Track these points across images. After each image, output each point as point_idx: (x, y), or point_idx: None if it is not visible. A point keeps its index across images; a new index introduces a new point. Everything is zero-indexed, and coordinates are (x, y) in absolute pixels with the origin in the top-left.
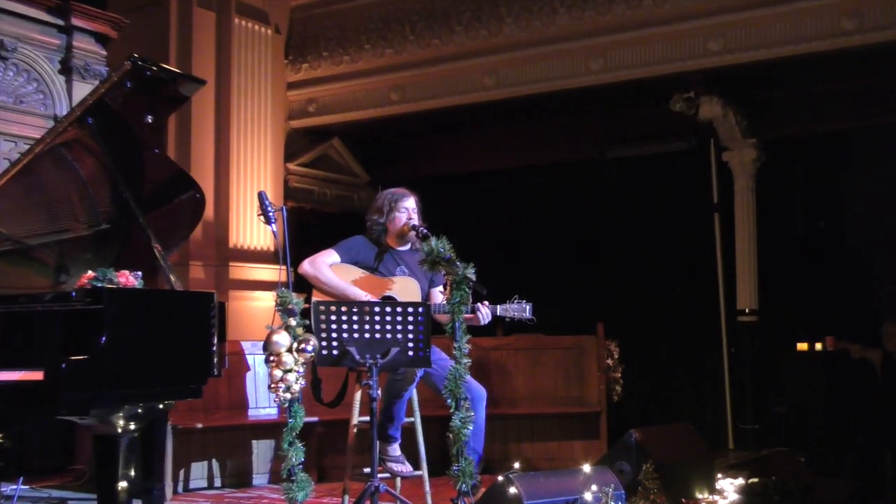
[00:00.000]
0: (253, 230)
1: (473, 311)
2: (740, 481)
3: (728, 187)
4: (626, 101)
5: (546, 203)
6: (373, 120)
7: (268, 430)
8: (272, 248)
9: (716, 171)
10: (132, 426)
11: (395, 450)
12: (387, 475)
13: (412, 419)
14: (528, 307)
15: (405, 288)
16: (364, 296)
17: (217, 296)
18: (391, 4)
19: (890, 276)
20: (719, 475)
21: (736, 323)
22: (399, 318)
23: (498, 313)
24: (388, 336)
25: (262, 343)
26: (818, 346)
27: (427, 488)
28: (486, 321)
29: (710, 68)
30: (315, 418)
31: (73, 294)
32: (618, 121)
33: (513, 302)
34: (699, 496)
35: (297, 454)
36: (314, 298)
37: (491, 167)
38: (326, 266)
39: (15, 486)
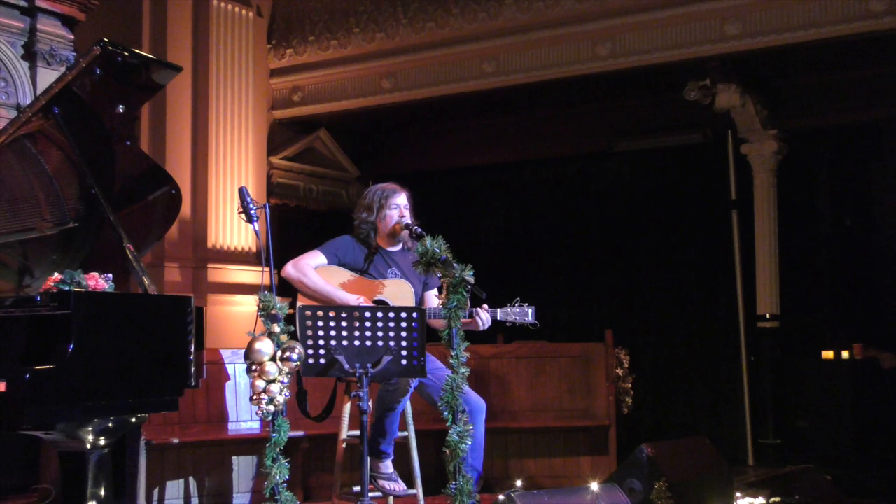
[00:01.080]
0: (233, 229)
1: (471, 315)
2: (761, 501)
3: (747, 182)
4: (636, 90)
5: (550, 200)
6: (363, 110)
7: (249, 445)
8: (254, 249)
9: (733, 164)
10: (102, 442)
11: (388, 467)
12: (378, 494)
13: (406, 433)
14: (530, 311)
15: (397, 291)
16: (353, 300)
17: (194, 300)
18: None
19: None
20: (738, 494)
21: (756, 329)
22: (391, 325)
23: (498, 318)
24: (380, 343)
25: (243, 351)
26: (845, 354)
27: None
28: (486, 327)
29: (728, 53)
30: (300, 433)
31: (38, 298)
32: (627, 111)
33: (514, 306)
34: None
35: (280, 472)
36: (299, 303)
37: (490, 161)
38: (312, 268)
39: None
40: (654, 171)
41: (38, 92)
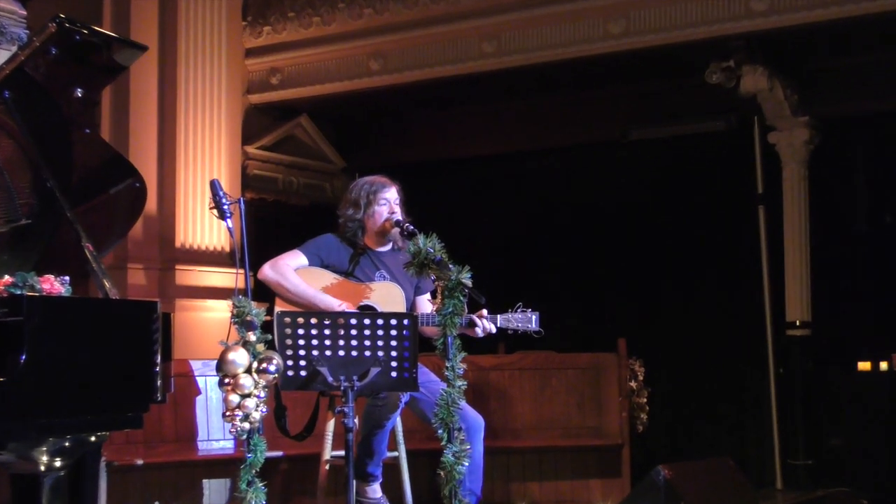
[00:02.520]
0: (204, 227)
1: (469, 322)
2: None
3: (775, 175)
4: (652, 73)
5: (556, 194)
6: (348, 94)
7: (222, 467)
8: (227, 249)
9: (760, 155)
10: (58, 463)
11: (376, 490)
12: None
13: (395, 454)
14: (534, 318)
15: (387, 295)
16: (337, 305)
17: (161, 305)
18: None
19: None
20: None
21: (785, 338)
22: (380, 332)
23: (498, 325)
24: (367, 354)
25: (214, 362)
26: (883, 365)
27: None
28: (485, 335)
29: (754, 32)
30: (279, 453)
31: None
32: (642, 96)
33: (516, 311)
34: None
35: (257, 496)
36: (277, 308)
37: (490, 151)
38: (292, 270)
39: None
40: (672, 162)
41: None
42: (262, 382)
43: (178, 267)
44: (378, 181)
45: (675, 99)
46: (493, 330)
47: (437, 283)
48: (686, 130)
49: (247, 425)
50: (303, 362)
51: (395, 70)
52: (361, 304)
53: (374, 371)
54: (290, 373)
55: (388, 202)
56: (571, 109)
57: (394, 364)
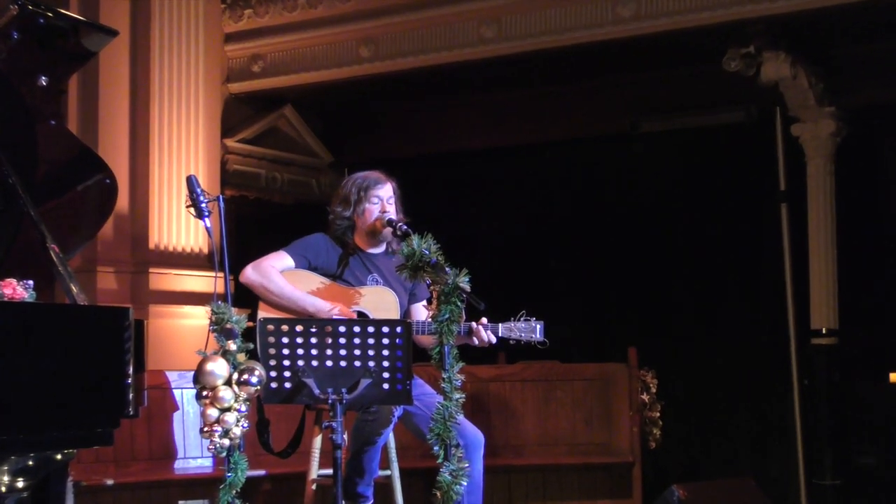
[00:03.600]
0: (180, 226)
1: (468, 331)
2: None
3: (799, 170)
4: (665, 59)
5: (561, 191)
6: (337, 83)
7: (200, 487)
8: (205, 250)
9: (783, 149)
10: (20, 484)
11: None
12: None
13: (388, 472)
14: (538, 326)
15: (378, 301)
16: (329, 308)
17: (133, 312)
18: None
19: None
20: None
21: (810, 347)
22: (371, 341)
23: (500, 334)
24: (357, 364)
25: (192, 374)
26: None
27: None
28: (485, 344)
29: (776, 15)
30: (261, 472)
31: None
32: (655, 85)
33: (519, 320)
34: None
35: None
36: (260, 314)
37: (489, 144)
38: (277, 272)
39: None
40: (686, 156)
41: None
42: (244, 395)
43: (151, 270)
44: (371, 177)
45: (690, 88)
46: (494, 341)
47: (432, 287)
48: (701, 122)
49: (227, 442)
50: (287, 373)
51: (387, 57)
52: (351, 309)
53: (364, 383)
54: (274, 384)
55: (381, 200)
56: (578, 99)
57: (386, 375)
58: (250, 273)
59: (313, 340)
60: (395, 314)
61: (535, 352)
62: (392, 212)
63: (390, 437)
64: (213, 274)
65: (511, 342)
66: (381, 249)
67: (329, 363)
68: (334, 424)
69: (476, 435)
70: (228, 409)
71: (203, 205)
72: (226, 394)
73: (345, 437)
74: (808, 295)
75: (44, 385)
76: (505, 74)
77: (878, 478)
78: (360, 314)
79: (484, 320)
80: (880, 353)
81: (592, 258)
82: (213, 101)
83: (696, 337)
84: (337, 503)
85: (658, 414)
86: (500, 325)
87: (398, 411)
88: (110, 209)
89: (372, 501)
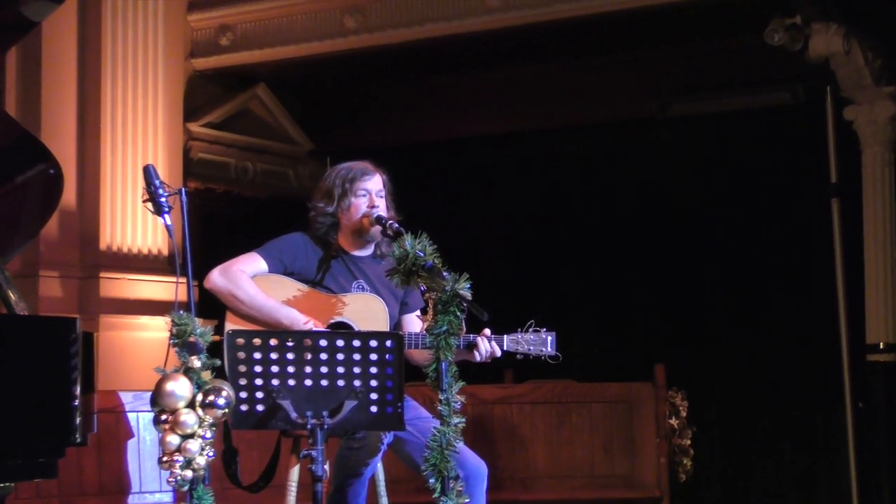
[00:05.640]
0: (136, 224)
1: (468, 345)
2: None
3: (853, 160)
4: (698, 32)
5: (577, 185)
6: (318, 58)
7: None
8: (165, 252)
9: (834, 135)
10: None
11: None
12: None
13: None
14: (549, 339)
15: (364, 310)
16: (304, 322)
17: (81, 323)
18: None
19: None
20: None
21: (865, 364)
22: (356, 357)
23: (505, 348)
24: (341, 383)
25: (149, 395)
26: None
27: None
28: (488, 358)
29: None
30: None
31: None
32: (685, 62)
33: (527, 331)
34: None
35: None
36: (228, 326)
37: (494, 130)
38: (247, 278)
39: None
40: (721, 144)
41: None
42: (209, 420)
43: (102, 275)
44: (358, 167)
45: (727, 65)
46: (498, 354)
47: (427, 295)
48: (740, 105)
49: (189, 473)
50: (260, 394)
51: (377, 28)
52: (333, 321)
53: (349, 405)
54: (244, 407)
55: (369, 193)
56: (596, 78)
57: (374, 396)
58: (217, 278)
59: (290, 356)
60: (383, 325)
61: (547, 369)
62: (381, 207)
63: (379, 468)
64: (173, 279)
65: (518, 357)
66: (368, 252)
67: (308, 382)
68: (314, 453)
69: (478, 466)
70: (191, 436)
71: (162, 199)
72: (188, 418)
73: (326, 468)
74: (862, 304)
75: None
76: (512, 49)
77: None
78: (344, 326)
79: (487, 331)
80: None
81: (613, 261)
82: (175, 79)
83: (733, 352)
84: None
85: (689, 441)
86: (505, 336)
87: (388, 438)
88: (55, 204)
89: None
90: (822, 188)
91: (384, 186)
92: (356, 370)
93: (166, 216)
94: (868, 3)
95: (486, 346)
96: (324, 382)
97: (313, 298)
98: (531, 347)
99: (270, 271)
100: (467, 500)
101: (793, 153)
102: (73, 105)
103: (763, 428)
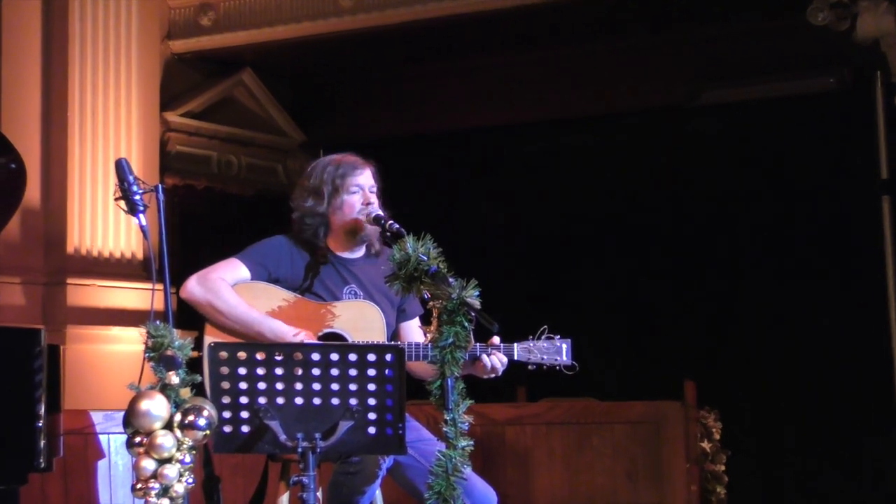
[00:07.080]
0: (107, 225)
1: (473, 357)
2: None
3: None
4: (734, 10)
5: (596, 180)
6: (309, 41)
7: None
8: (140, 256)
9: (884, 125)
10: None
11: None
12: None
13: None
14: (564, 347)
15: (359, 319)
16: (293, 334)
17: (46, 334)
18: None
19: None
20: None
21: None
22: (353, 372)
23: (516, 358)
24: (335, 402)
25: (122, 414)
26: None
27: None
28: (497, 373)
29: None
30: None
31: None
32: (719, 44)
33: (540, 339)
34: None
35: None
36: (208, 339)
37: (504, 120)
38: (227, 286)
39: None
40: (759, 134)
41: None
42: (188, 442)
43: (70, 281)
44: (346, 161)
45: (765, 47)
46: (505, 364)
47: (431, 303)
48: (780, 91)
49: (166, 502)
50: (244, 413)
51: (374, 7)
52: (324, 332)
53: (343, 426)
54: (227, 428)
55: (362, 189)
56: (620, 62)
57: (372, 416)
58: (194, 287)
59: (279, 371)
60: (380, 335)
61: (565, 386)
62: (377, 206)
63: (377, 496)
64: (149, 286)
65: (530, 367)
66: (359, 253)
67: (299, 400)
68: (305, 480)
69: (487, 493)
70: (169, 461)
71: (137, 197)
72: (165, 440)
73: (319, 495)
74: None
75: None
76: (525, 31)
77: None
78: (336, 337)
79: (495, 339)
80: None
81: (636, 265)
82: (150, 64)
83: (771, 368)
84: None
85: (723, 467)
86: (515, 345)
87: (387, 463)
88: (16, 202)
89: None
90: (871, 184)
91: (377, 181)
92: (352, 387)
93: (141, 216)
94: None
95: (488, 361)
96: (316, 401)
97: (301, 308)
98: (544, 356)
99: (253, 279)
100: None
101: (838, 145)
102: (37, 92)
103: (803, 453)
